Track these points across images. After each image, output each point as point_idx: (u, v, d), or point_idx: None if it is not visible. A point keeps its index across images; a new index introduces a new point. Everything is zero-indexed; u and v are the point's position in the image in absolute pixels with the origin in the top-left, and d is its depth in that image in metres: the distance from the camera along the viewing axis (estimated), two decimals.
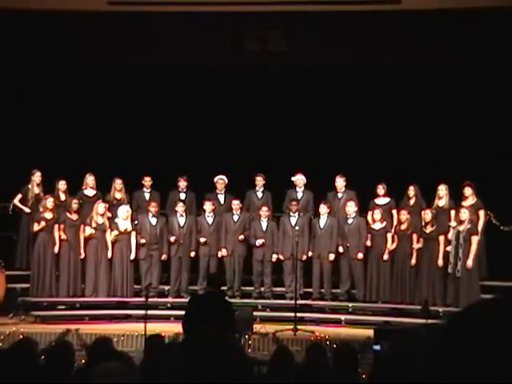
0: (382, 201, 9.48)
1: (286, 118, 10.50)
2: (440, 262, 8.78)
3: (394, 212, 9.39)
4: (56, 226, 9.23)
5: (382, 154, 10.19)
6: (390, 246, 9.11)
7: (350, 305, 9.16)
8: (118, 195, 9.74)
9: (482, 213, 9.01)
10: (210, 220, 9.58)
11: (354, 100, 10.31)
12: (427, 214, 8.93)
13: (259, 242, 9.37)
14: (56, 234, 9.22)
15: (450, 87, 9.87)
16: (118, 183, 9.70)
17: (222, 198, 9.93)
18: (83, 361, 4.54)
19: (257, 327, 7.82)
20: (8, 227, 9.78)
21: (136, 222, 9.50)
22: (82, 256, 9.26)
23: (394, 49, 9.87)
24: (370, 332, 6.92)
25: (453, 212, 9.02)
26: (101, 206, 9.32)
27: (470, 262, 8.50)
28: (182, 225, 9.51)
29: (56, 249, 9.20)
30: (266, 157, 10.20)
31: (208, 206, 9.56)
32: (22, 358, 3.65)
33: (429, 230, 8.92)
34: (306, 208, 9.73)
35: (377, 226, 9.22)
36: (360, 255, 9.15)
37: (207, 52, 9.95)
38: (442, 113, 10.07)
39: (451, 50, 9.67)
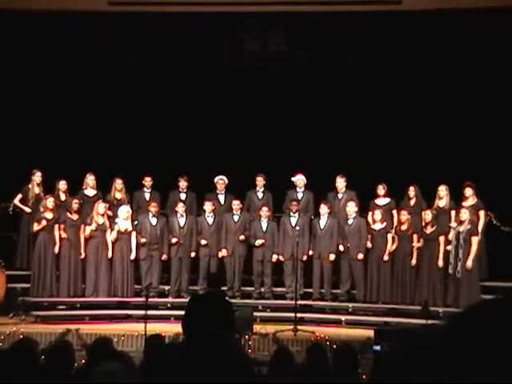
0: (382, 201, 9.48)
1: (286, 118, 10.50)
2: (440, 262, 8.77)
3: (395, 212, 9.39)
4: (56, 226, 9.23)
5: (382, 155, 10.19)
6: (391, 246, 9.11)
7: (351, 305, 9.16)
8: (119, 195, 9.74)
9: (482, 213, 9.01)
10: (210, 220, 9.59)
11: (354, 100, 10.31)
12: (427, 215, 8.93)
13: (259, 242, 9.37)
14: (56, 234, 9.23)
15: (450, 87, 9.86)
16: (119, 183, 9.71)
17: (222, 198, 9.93)
18: (83, 361, 4.54)
19: (257, 327, 7.81)
20: (8, 227, 9.79)
21: (136, 222, 9.51)
22: (83, 256, 9.26)
23: (394, 49, 9.87)
24: (370, 332, 6.92)
25: (453, 212, 9.02)
26: (101, 206, 9.32)
27: (470, 263, 8.50)
28: (182, 225, 9.51)
29: (56, 249, 9.21)
30: (266, 157, 10.20)
31: (208, 206, 9.57)
32: (22, 357, 3.65)
33: (429, 230, 8.92)
34: (307, 208, 9.73)
35: (377, 226, 9.22)
36: (360, 255, 9.15)
37: (207, 52, 9.95)
38: (442, 113, 10.07)
39: (451, 50, 9.67)
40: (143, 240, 9.37)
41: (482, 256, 8.88)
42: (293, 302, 8.72)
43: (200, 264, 9.49)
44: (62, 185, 9.65)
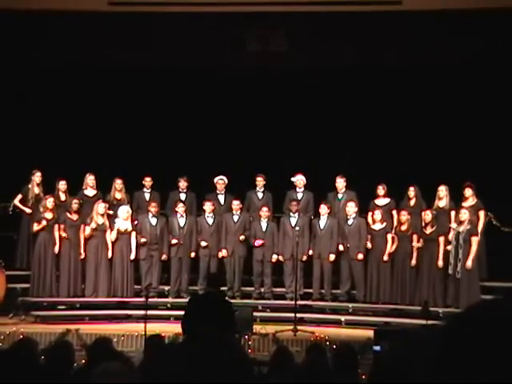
0: (382, 201, 9.48)
1: (286, 118, 10.50)
2: (440, 262, 8.77)
3: (394, 213, 9.38)
4: (56, 226, 9.23)
5: (382, 155, 10.19)
6: (391, 247, 9.10)
7: (350, 305, 9.15)
8: (119, 195, 9.74)
9: (482, 213, 9.01)
10: (210, 220, 9.58)
11: (354, 100, 10.31)
12: (427, 215, 8.93)
13: (258, 242, 9.37)
14: (56, 234, 9.23)
15: (450, 87, 9.87)
16: (119, 183, 9.71)
17: (222, 198, 9.93)
18: (83, 361, 4.54)
19: (257, 328, 7.81)
20: (8, 227, 9.78)
21: (136, 223, 9.51)
22: (83, 256, 9.26)
23: (393, 48, 9.87)
24: (370, 333, 6.92)
25: (453, 213, 9.01)
26: (101, 206, 9.32)
27: (469, 263, 8.50)
28: (182, 225, 9.51)
29: (56, 249, 9.21)
30: (266, 157, 10.20)
31: (208, 206, 9.57)
32: (21, 357, 3.65)
33: (429, 230, 8.92)
34: (307, 208, 9.73)
35: (377, 226, 9.22)
36: (360, 256, 9.15)
37: (207, 52, 9.95)
38: (442, 113, 10.07)
39: (450, 50, 9.67)
40: (143, 240, 9.37)
41: (481, 256, 8.88)
42: (293, 303, 8.72)
43: (200, 264, 9.49)
44: (62, 185, 9.65)
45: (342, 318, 8.85)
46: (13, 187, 9.64)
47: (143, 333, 7.13)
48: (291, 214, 9.45)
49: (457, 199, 9.11)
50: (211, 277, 8.97)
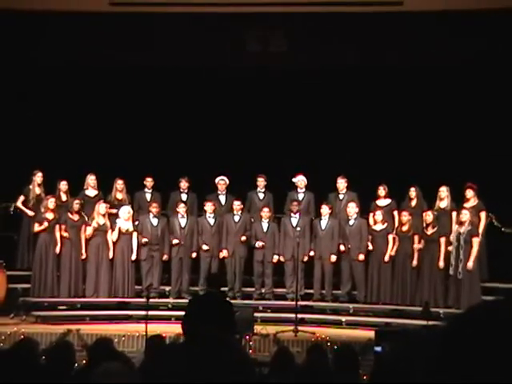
0: (383, 202, 9.48)
1: (287, 118, 10.49)
2: (441, 263, 8.77)
3: (395, 213, 9.38)
4: (57, 227, 9.24)
5: (382, 155, 10.18)
6: (392, 248, 9.09)
7: (351, 306, 9.15)
8: (120, 196, 9.75)
9: (483, 214, 9.01)
10: (211, 221, 9.58)
11: (355, 100, 10.31)
12: (428, 216, 8.92)
13: (259, 244, 9.38)
14: (57, 235, 9.23)
15: (451, 88, 9.86)
16: (120, 184, 9.71)
17: (223, 198, 9.94)
18: (84, 361, 4.54)
19: (257, 328, 7.82)
20: (9, 227, 9.79)
21: (136, 223, 9.52)
22: (84, 256, 9.27)
23: (394, 49, 9.86)
24: (370, 333, 6.92)
25: (454, 214, 9.00)
26: (102, 207, 9.33)
27: (470, 264, 8.50)
28: (183, 226, 9.51)
29: (57, 249, 9.21)
30: (266, 158, 10.20)
31: (209, 206, 9.57)
32: (22, 358, 3.65)
33: (430, 231, 8.91)
34: (307, 209, 9.73)
35: (378, 227, 9.22)
36: (361, 256, 9.15)
37: (207, 52, 9.95)
38: (443, 113, 10.06)
39: (452, 51, 9.67)
40: (145, 240, 9.37)
41: (482, 257, 8.87)
42: (293, 303, 8.72)
43: (201, 265, 9.49)
44: (63, 185, 9.65)
45: (343, 319, 8.85)
46: (14, 187, 9.64)
47: (144, 333, 7.13)
48: (292, 214, 9.45)
49: (458, 200, 9.10)
50: (211, 277, 8.96)
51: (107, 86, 10.47)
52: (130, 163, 10.00)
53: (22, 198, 9.60)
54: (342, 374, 4.00)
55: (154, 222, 9.49)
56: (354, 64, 10.14)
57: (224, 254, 9.48)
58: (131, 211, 9.49)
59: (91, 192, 9.74)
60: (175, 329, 7.05)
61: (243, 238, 9.45)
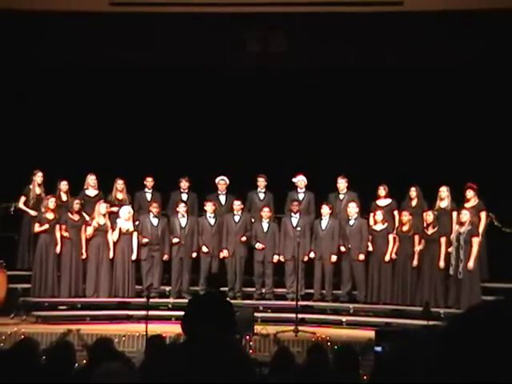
0: (383, 202, 9.48)
1: (287, 118, 10.49)
2: (441, 263, 8.76)
3: (396, 213, 9.38)
4: (57, 227, 9.24)
5: (383, 155, 10.18)
6: (392, 247, 9.09)
7: (351, 306, 9.15)
8: (120, 196, 9.75)
9: (483, 214, 9.01)
10: (211, 221, 9.59)
11: (355, 100, 10.31)
12: (429, 216, 8.92)
13: (259, 245, 9.38)
14: (58, 235, 9.23)
15: (451, 88, 9.86)
16: (120, 184, 9.71)
17: (223, 198, 9.94)
18: (84, 361, 4.54)
19: (258, 328, 7.82)
20: (9, 227, 9.79)
21: (137, 223, 9.52)
22: (84, 256, 9.27)
23: (394, 49, 9.86)
24: (371, 333, 6.92)
25: (455, 214, 9.00)
26: (102, 206, 9.33)
27: (471, 264, 8.49)
28: (183, 225, 9.51)
29: (58, 249, 9.21)
30: (266, 158, 10.20)
31: (209, 206, 9.57)
32: (23, 358, 3.65)
33: (430, 231, 8.91)
34: (308, 209, 9.73)
35: (378, 227, 9.22)
36: (361, 256, 9.15)
37: (207, 52, 9.95)
38: (443, 113, 10.06)
39: (452, 51, 9.67)
40: (145, 240, 9.37)
41: (482, 257, 8.87)
42: (294, 303, 8.72)
43: (201, 265, 9.49)
44: (64, 185, 9.65)
45: (343, 319, 8.85)
46: (14, 187, 9.64)
47: (144, 333, 7.13)
48: (292, 214, 9.45)
49: (458, 200, 9.10)
50: (211, 277, 8.97)
51: (107, 86, 10.47)
52: (131, 163, 10.00)
53: (23, 198, 9.60)
54: (343, 374, 4.00)
55: (155, 221, 9.49)
56: (354, 64, 10.14)
57: (224, 254, 9.48)
58: (131, 211, 9.49)
59: (91, 192, 9.74)
60: (175, 329, 7.05)
61: (243, 239, 9.45)
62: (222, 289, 8.34)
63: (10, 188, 9.62)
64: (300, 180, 9.74)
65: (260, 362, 5.44)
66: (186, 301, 8.15)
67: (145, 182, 9.93)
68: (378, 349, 5.82)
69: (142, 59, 10.09)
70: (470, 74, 9.63)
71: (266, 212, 9.46)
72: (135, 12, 9.66)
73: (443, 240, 8.82)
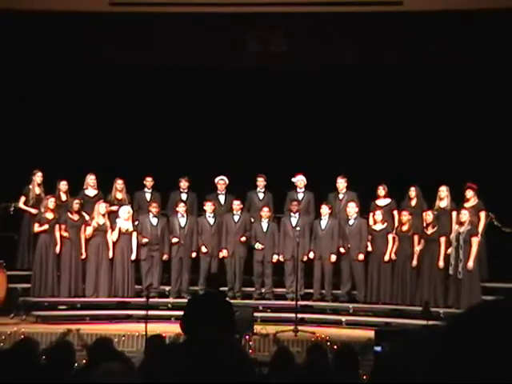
0: (382, 202, 9.48)
1: (287, 118, 10.50)
2: (441, 263, 8.76)
3: (395, 213, 9.38)
4: (57, 226, 9.24)
5: (382, 155, 10.19)
6: (391, 247, 9.09)
7: (351, 306, 9.15)
8: (119, 195, 9.75)
9: (482, 214, 9.01)
10: (210, 221, 9.59)
11: (355, 100, 10.31)
12: (429, 216, 8.92)
13: (258, 246, 9.38)
14: (57, 235, 9.23)
15: (450, 87, 9.86)
16: (119, 183, 9.71)
17: (222, 198, 9.94)
18: (84, 361, 4.54)
19: (257, 328, 7.82)
20: (9, 227, 9.79)
21: (136, 223, 9.52)
22: (83, 256, 9.27)
23: (394, 49, 9.86)
24: (370, 333, 6.91)
25: (454, 213, 9.00)
26: (102, 206, 9.33)
27: (470, 264, 8.50)
28: (182, 225, 9.51)
29: (57, 249, 9.21)
30: (266, 157, 10.20)
31: (208, 206, 9.57)
32: (22, 357, 3.65)
33: (430, 231, 8.91)
34: (307, 209, 9.73)
35: (378, 227, 9.22)
36: (361, 256, 9.15)
37: (207, 52, 9.95)
38: (443, 113, 10.06)
39: (451, 50, 9.67)
40: (145, 240, 9.37)
41: (482, 257, 8.87)
42: (293, 303, 8.72)
43: (200, 264, 9.49)
44: (63, 185, 9.65)
45: (343, 319, 8.85)
46: (13, 187, 9.64)
47: (144, 333, 7.13)
48: (292, 214, 9.45)
49: (458, 200, 9.10)
50: (210, 277, 8.97)
51: (107, 86, 10.47)
52: (130, 163, 10.00)
53: (23, 198, 9.60)
54: (342, 374, 4.00)
55: (154, 221, 9.49)
56: (354, 64, 10.14)
57: (224, 253, 9.48)
58: (131, 211, 9.49)
59: (91, 192, 9.74)
60: (175, 328, 7.03)
61: (243, 239, 9.45)
62: (221, 289, 8.34)
63: (10, 188, 9.62)
64: (299, 180, 9.74)
65: (260, 362, 5.44)
66: (186, 301, 8.15)
67: (144, 182, 9.93)
68: (378, 349, 5.82)
69: (142, 59, 10.09)
70: (469, 73, 9.63)
71: (265, 212, 9.46)
72: (135, 12, 9.66)
73: (443, 240, 8.82)
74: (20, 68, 10.02)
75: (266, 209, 9.50)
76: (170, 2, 9.59)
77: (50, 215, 9.21)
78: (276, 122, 10.48)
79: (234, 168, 9.88)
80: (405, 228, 9.09)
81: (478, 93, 9.71)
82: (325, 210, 9.31)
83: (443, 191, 9.11)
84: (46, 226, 9.15)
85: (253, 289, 9.52)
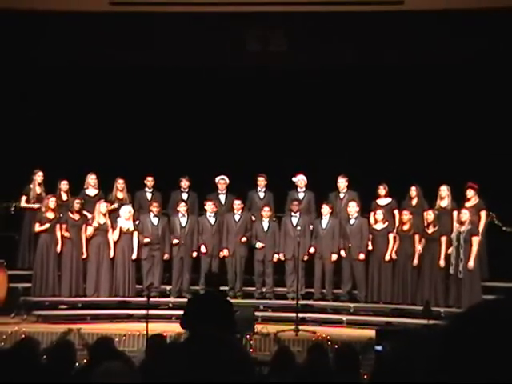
0: (383, 201, 9.48)
1: (287, 118, 10.50)
2: (442, 262, 8.76)
3: (396, 212, 9.38)
4: (58, 226, 9.24)
5: (383, 155, 10.19)
6: (392, 247, 9.09)
7: (352, 305, 9.15)
8: (120, 195, 9.75)
9: (483, 213, 9.00)
10: (211, 220, 9.59)
11: (355, 100, 10.31)
12: (429, 215, 8.92)
13: (259, 245, 9.38)
14: (58, 234, 9.23)
15: (452, 87, 9.86)
16: (120, 183, 9.72)
17: (223, 198, 9.94)
18: (85, 360, 4.55)
19: (258, 327, 7.82)
20: (10, 227, 9.80)
21: (137, 223, 9.53)
22: (84, 256, 9.27)
23: (394, 48, 9.86)
24: (371, 332, 6.91)
25: (455, 213, 9.00)
26: (103, 206, 9.34)
27: (471, 263, 8.49)
28: (183, 225, 9.52)
29: (58, 248, 9.22)
30: (267, 157, 10.20)
31: (209, 206, 9.57)
32: (23, 357, 3.66)
33: (431, 230, 8.91)
34: (308, 208, 9.74)
35: (379, 226, 9.21)
36: (362, 256, 9.15)
37: (207, 52, 9.95)
38: (444, 112, 10.06)
39: (452, 50, 9.67)
40: (147, 240, 9.37)
41: (483, 256, 8.87)
42: (294, 302, 8.72)
43: (201, 264, 9.49)
44: (64, 185, 9.66)
45: (344, 318, 8.85)
46: (14, 187, 9.65)
47: (145, 332, 7.13)
48: (292, 213, 9.45)
49: (458, 199, 9.10)
50: (208, 276, 8.95)
51: (107, 86, 10.47)
52: (131, 162, 10.00)
53: (24, 198, 9.61)
54: (343, 374, 4.00)
55: (155, 221, 9.49)
56: (354, 63, 10.14)
57: (224, 253, 9.49)
58: (132, 210, 9.50)
59: (92, 191, 9.74)
60: (176, 328, 7.04)
61: (244, 239, 9.46)
62: (221, 288, 8.33)
63: (11, 187, 9.63)
64: (300, 179, 9.74)
65: (260, 362, 5.44)
66: (187, 300, 8.15)
67: (145, 182, 9.94)
68: (379, 348, 5.82)
69: (142, 59, 10.09)
70: (470, 73, 9.63)
71: (266, 211, 9.46)
72: (135, 12, 9.66)
73: (443, 239, 8.82)
74: (20, 68, 10.02)
75: (266, 208, 9.50)
76: (170, 2, 9.59)
77: (50, 215, 9.22)
78: (276, 121, 10.49)
79: (235, 168, 9.88)
80: (405, 227, 9.09)
81: (479, 92, 9.70)
82: (325, 209, 9.31)
83: (444, 190, 9.11)
84: (46, 226, 9.16)
85: (253, 288, 9.53)
